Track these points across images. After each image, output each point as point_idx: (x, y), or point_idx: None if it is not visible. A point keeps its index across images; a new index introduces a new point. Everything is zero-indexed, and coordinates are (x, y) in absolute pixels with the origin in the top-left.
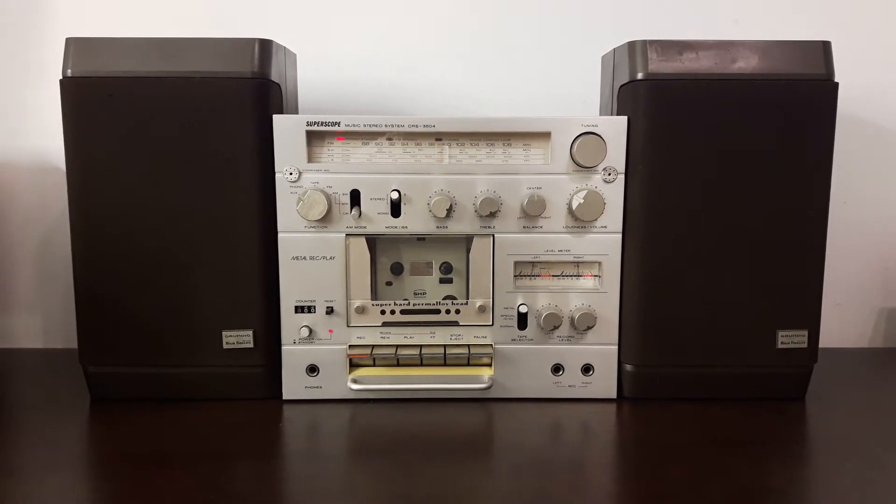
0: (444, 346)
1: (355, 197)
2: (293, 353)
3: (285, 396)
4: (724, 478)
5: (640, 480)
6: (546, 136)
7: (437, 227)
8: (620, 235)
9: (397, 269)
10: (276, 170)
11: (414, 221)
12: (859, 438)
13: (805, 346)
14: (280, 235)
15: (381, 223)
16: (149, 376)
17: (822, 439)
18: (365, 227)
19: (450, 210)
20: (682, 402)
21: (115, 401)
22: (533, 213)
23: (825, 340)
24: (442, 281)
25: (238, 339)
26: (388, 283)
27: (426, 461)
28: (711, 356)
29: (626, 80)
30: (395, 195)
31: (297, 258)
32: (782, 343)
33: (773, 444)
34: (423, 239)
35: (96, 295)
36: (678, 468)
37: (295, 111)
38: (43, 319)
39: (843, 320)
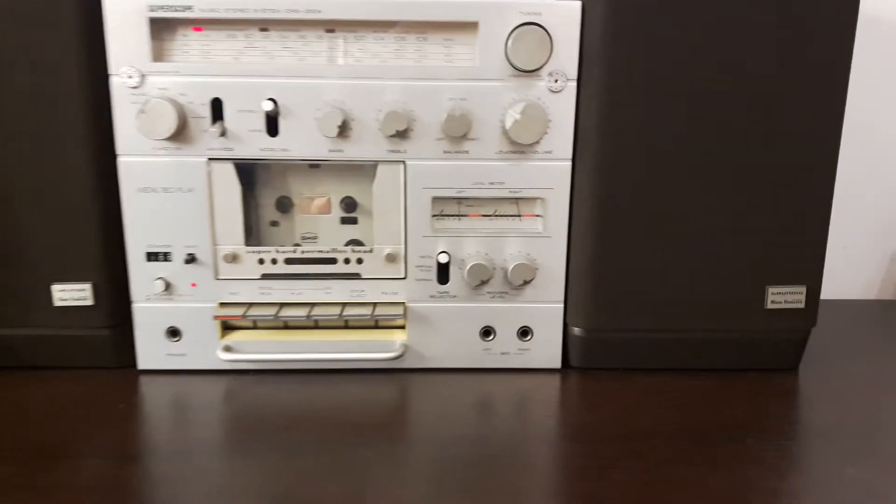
0: (343, 304)
1: (217, 108)
2: (148, 313)
3: (141, 366)
4: (686, 482)
5: (584, 480)
6: (472, 27)
7: (330, 150)
8: (570, 163)
9: (285, 206)
10: (111, 72)
11: (298, 142)
12: (866, 428)
13: (801, 305)
14: (120, 160)
15: (255, 144)
16: None
17: (818, 428)
18: (233, 150)
19: (344, 128)
20: (643, 374)
21: None
22: (455, 133)
23: (826, 291)
24: (344, 221)
25: (73, 294)
26: (274, 224)
27: (320, 452)
28: (681, 318)
29: None
30: (269, 106)
31: (145, 190)
32: (773, 302)
33: (753, 433)
34: (318, 166)
35: None
36: (632, 465)
37: None
38: None
39: (847, 266)
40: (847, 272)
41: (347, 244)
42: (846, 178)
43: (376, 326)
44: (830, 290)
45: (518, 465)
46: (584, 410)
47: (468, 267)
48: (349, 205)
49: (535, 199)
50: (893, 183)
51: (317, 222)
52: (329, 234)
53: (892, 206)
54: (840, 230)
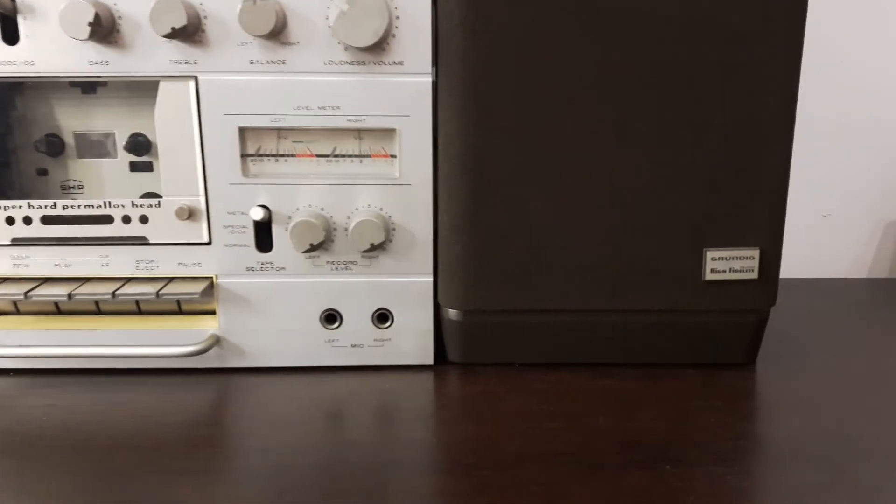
0: (124, 280)
1: None
2: None
3: None
4: None
5: None
6: None
7: (91, 63)
8: (430, 80)
9: (54, 147)
10: None
11: (47, 52)
12: (840, 448)
13: (754, 275)
14: None
15: None
16: None
17: (771, 449)
18: None
19: (105, 28)
20: (543, 372)
21: None
22: (257, 29)
23: (804, 268)
24: (135, 168)
25: None
26: (42, 173)
27: (98, 485)
28: (590, 294)
29: None
30: None
31: None
32: (713, 272)
33: (672, 456)
34: (95, 90)
35: None
36: None
37: None
38: None
39: (833, 239)
40: (831, 246)
41: (144, 197)
42: (829, 130)
43: (180, 311)
44: (810, 267)
45: None
46: (451, 425)
47: (291, 226)
48: (139, 144)
49: (385, 131)
50: (888, 138)
51: (98, 169)
52: (115, 186)
53: (884, 166)
54: (821, 195)
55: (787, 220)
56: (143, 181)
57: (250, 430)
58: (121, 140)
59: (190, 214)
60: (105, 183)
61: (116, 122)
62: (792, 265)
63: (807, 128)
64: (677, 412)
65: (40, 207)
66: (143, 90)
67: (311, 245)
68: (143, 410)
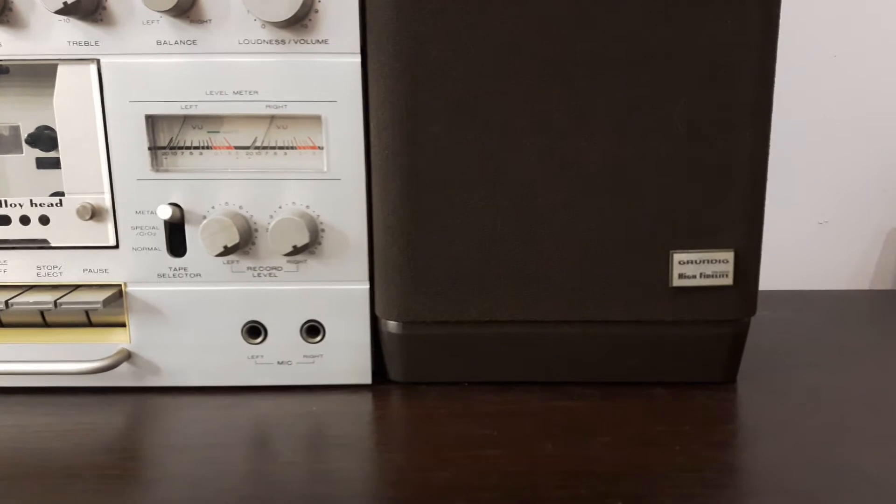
0: (26, 287)
1: None
2: None
3: None
4: None
5: None
6: None
7: None
8: (359, 60)
9: None
10: None
11: None
12: (830, 483)
13: (728, 281)
14: None
15: None
16: None
17: (746, 482)
18: None
19: None
20: (494, 392)
21: None
22: (162, 6)
23: (800, 279)
24: (42, 165)
25: None
26: None
27: None
28: (544, 305)
29: None
30: None
31: None
32: (681, 277)
33: (625, 492)
34: None
35: None
36: None
37: None
38: None
39: (830, 247)
40: (829, 255)
41: (54, 196)
42: (825, 130)
43: (90, 324)
44: (806, 278)
45: None
46: (379, 454)
47: (203, 227)
48: (46, 139)
49: (309, 118)
50: (889, 138)
51: (3, 168)
52: (19, 184)
53: (886, 168)
54: (817, 201)
55: (780, 227)
56: (52, 179)
57: (153, 458)
58: (25, 132)
59: (93, 214)
60: (9, 181)
61: (21, 114)
62: (786, 276)
63: (802, 128)
64: (637, 438)
65: None
66: (50, 77)
67: (226, 248)
68: (29, 434)
